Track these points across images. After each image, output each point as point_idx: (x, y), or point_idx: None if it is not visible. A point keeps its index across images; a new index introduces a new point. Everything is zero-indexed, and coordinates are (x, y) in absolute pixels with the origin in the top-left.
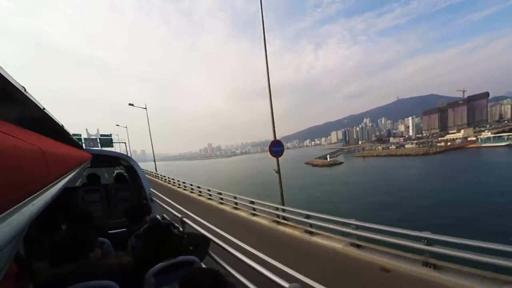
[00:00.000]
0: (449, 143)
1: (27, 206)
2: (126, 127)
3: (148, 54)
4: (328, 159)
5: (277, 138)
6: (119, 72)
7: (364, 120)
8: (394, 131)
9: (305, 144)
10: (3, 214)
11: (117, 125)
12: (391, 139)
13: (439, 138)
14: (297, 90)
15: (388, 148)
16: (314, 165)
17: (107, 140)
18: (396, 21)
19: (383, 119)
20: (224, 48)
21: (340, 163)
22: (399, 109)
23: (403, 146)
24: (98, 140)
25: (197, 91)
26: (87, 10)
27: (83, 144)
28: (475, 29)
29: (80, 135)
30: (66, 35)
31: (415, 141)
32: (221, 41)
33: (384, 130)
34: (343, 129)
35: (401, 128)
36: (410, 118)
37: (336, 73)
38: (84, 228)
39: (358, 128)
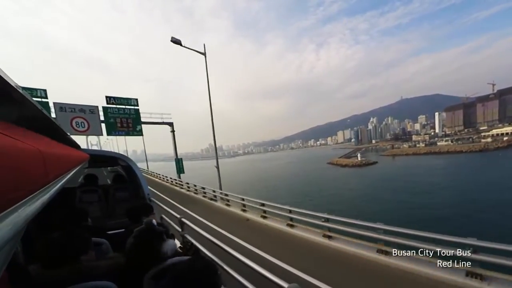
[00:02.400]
0: (505, 138)
1: (24, 206)
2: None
3: (150, 54)
4: (359, 159)
5: (279, 138)
6: (122, 72)
7: (371, 119)
8: (409, 129)
9: (309, 144)
10: (1, 215)
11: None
12: (414, 137)
13: (483, 134)
14: (299, 90)
15: (415, 146)
16: (343, 166)
17: (127, 116)
18: (399, 20)
19: (389, 118)
20: (225, 48)
21: (374, 162)
22: (403, 109)
23: (434, 143)
24: (99, 111)
25: (198, 91)
26: (87, 9)
27: (56, 120)
28: (479, 28)
29: (45, 91)
30: (67, 35)
31: (448, 138)
32: (222, 41)
33: (399, 129)
34: (355, 128)
35: (417, 126)
36: (436, 114)
37: (338, 73)
38: (77, 229)
39: (371, 127)
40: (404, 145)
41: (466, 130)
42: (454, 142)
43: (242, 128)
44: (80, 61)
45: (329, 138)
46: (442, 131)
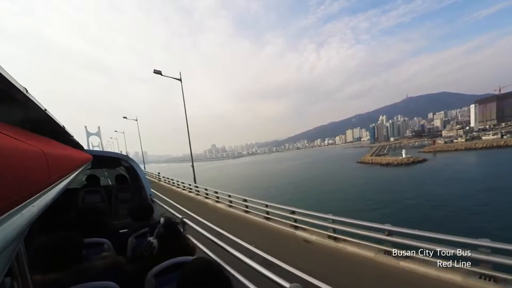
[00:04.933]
0: None
1: (28, 207)
2: (123, 133)
3: (149, 54)
4: (404, 156)
5: (283, 138)
6: (120, 73)
7: (381, 117)
8: (429, 126)
9: (316, 143)
10: (4, 215)
11: (115, 131)
12: (444, 133)
13: None
14: (299, 90)
15: (451, 141)
16: (383, 165)
17: None
18: (400, 19)
19: (399, 117)
20: (225, 48)
21: (423, 160)
22: (410, 107)
23: (477, 138)
24: None
25: (199, 91)
26: (86, 9)
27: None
28: (481, 27)
29: None
30: (66, 35)
31: (496, 131)
32: (222, 41)
33: (418, 125)
34: (370, 125)
35: (437, 123)
36: (472, 106)
37: (339, 73)
38: (69, 233)
39: (387, 124)
40: (439, 141)
41: (504, 124)
42: (508, 135)
43: (243, 129)
44: (79, 61)
45: (337, 137)
46: (452, 126)
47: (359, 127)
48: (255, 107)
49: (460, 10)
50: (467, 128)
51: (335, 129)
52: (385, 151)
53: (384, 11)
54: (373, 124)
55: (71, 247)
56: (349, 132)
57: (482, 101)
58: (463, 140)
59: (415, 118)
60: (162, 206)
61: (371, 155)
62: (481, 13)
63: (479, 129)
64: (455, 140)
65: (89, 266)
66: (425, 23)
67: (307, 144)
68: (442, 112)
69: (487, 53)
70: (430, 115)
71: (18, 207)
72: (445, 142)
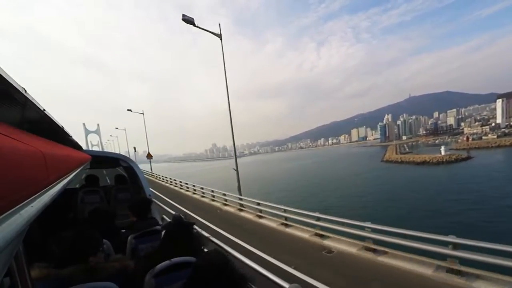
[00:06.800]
0: None
1: (26, 207)
2: (125, 130)
3: (147, 52)
4: (443, 153)
5: (284, 138)
6: (120, 71)
7: (386, 116)
8: (442, 124)
9: (319, 143)
10: (3, 215)
11: (116, 128)
12: (466, 130)
13: None
14: (299, 89)
15: (480, 138)
16: (417, 163)
17: None
18: (402, 18)
19: (405, 115)
20: (224, 46)
21: (467, 158)
22: (413, 107)
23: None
24: None
25: (198, 90)
26: (84, 5)
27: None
28: (481, 26)
29: None
30: (64, 33)
31: None
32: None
33: (430, 123)
34: (380, 123)
35: (450, 120)
36: (499, 101)
37: (339, 72)
38: (89, 230)
39: (399, 122)
40: (464, 138)
41: None
42: None
43: (243, 128)
44: (78, 59)
45: (342, 137)
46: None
47: (364, 126)
48: (255, 106)
49: (461, 9)
50: (493, 124)
51: (337, 128)
52: (406, 149)
53: (385, 10)
54: (383, 123)
55: (92, 241)
56: (354, 131)
57: (505, 96)
58: (494, 136)
59: (420, 117)
60: (161, 206)
61: (396, 153)
62: (482, 12)
63: (506, 125)
64: (483, 137)
65: (100, 268)
66: (426, 22)
67: (310, 144)
68: (454, 110)
69: (488, 52)
70: (435, 114)
71: (16, 207)
72: (473, 139)
